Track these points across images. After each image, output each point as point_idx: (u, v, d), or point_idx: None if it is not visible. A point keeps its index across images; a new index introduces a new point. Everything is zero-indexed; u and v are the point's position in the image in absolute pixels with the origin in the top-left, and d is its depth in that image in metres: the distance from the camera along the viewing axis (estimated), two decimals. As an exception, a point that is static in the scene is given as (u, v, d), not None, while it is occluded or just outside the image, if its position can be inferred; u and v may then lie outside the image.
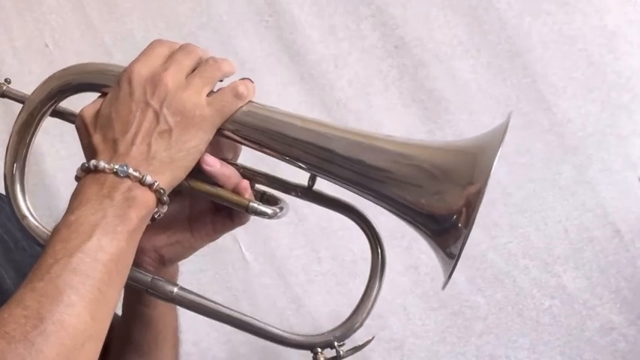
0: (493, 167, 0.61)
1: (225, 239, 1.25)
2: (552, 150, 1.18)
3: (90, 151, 0.67)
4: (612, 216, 1.16)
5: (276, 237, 1.25)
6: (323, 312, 1.23)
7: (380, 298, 1.19)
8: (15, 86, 0.76)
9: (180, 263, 1.20)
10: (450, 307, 1.19)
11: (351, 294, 1.15)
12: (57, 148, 1.25)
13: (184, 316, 1.21)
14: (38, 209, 1.30)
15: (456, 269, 1.23)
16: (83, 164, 0.66)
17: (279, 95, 1.26)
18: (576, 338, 1.16)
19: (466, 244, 0.63)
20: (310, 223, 1.24)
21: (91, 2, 1.30)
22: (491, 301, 1.19)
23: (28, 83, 0.74)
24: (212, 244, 1.27)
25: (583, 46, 1.18)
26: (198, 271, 1.28)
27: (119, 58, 1.30)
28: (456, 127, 1.20)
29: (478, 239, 1.19)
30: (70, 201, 0.65)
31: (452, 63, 1.20)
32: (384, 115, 1.23)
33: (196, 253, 1.28)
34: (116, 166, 0.64)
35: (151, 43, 0.70)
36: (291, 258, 1.25)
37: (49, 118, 0.76)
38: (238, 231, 1.25)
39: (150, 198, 0.65)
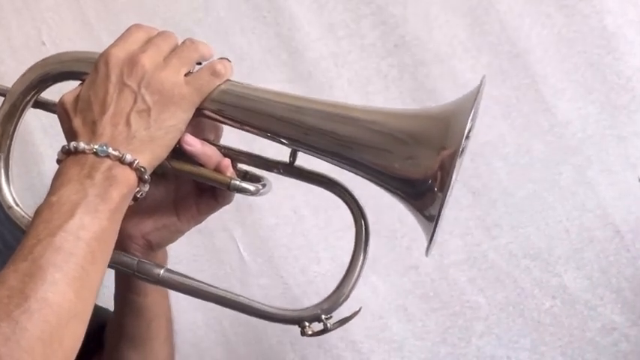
0: (466, 131, 0.63)
1: (223, 239, 1.26)
2: (552, 150, 1.18)
3: (71, 134, 0.68)
4: (612, 216, 1.16)
5: (275, 237, 1.25)
6: (322, 312, 1.22)
7: (380, 299, 1.19)
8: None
9: (177, 263, 1.19)
10: (450, 307, 1.19)
11: (350, 296, 1.14)
12: (55, 148, 1.23)
13: (182, 316, 1.21)
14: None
15: (456, 269, 1.23)
16: (64, 146, 0.67)
17: (278, 93, 1.26)
18: (578, 339, 1.16)
19: (444, 209, 0.64)
20: (309, 223, 1.23)
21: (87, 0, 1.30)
22: (492, 302, 1.18)
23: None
24: (209, 244, 1.27)
25: (582, 47, 1.18)
26: (196, 271, 1.26)
27: (116, 56, 1.29)
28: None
29: (478, 240, 1.19)
30: (52, 183, 0.66)
31: (452, 63, 1.20)
32: (383, 115, 1.23)
33: (194, 253, 1.28)
34: (95, 146, 0.65)
35: (129, 28, 0.72)
36: (289, 258, 1.24)
37: (46, 118, 0.76)
38: (236, 231, 1.26)
39: (130, 176, 0.66)
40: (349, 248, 1.21)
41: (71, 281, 0.59)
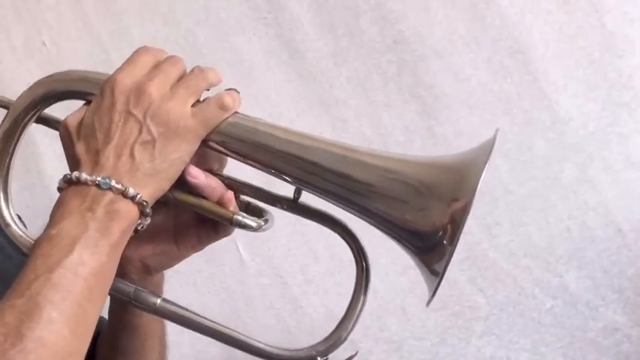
0: (479, 185, 0.60)
1: (222, 239, 1.25)
2: (554, 148, 1.17)
3: (73, 161, 0.66)
4: (614, 215, 1.15)
5: (274, 237, 1.24)
6: (321, 312, 1.22)
7: (379, 298, 1.18)
8: (14, 85, 0.76)
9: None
10: (450, 307, 1.18)
11: (348, 294, 1.13)
12: (54, 148, 1.24)
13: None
14: (37, 209, 1.30)
15: (456, 269, 1.22)
16: (65, 175, 0.65)
17: (278, 92, 1.25)
18: (579, 339, 1.14)
19: (455, 253, 0.61)
20: (308, 223, 1.22)
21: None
22: (492, 302, 1.17)
23: (26, 82, 0.73)
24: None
25: (583, 44, 1.17)
26: (195, 271, 1.27)
27: (116, 55, 1.29)
28: (456, 123, 1.19)
29: (479, 238, 1.18)
30: (52, 213, 0.64)
31: (452, 58, 1.19)
32: (383, 111, 1.22)
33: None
34: (98, 179, 0.63)
35: (137, 51, 0.69)
36: (288, 258, 1.24)
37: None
38: (235, 231, 1.25)
39: (132, 211, 0.64)
40: (347, 248, 1.21)
41: (67, 319, 0.58)
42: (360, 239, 0.73)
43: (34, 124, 1.01)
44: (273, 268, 1.24)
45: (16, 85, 0.76)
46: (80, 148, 0.66)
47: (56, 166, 1.26)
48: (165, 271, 0.85)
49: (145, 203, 0.64)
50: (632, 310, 1.13)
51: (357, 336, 1.04)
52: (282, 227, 1.22)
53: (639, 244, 1.14)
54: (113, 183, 0.63)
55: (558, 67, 1.17)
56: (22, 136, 0.73)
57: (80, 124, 0.67)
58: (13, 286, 0.60)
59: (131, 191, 0.63)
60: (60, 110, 0.72)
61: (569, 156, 1.16)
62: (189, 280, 1.26)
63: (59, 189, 0.65)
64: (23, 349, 0.56)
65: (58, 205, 0.64)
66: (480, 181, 0.60)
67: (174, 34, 1.29)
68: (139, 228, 0.66)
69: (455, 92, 1.19)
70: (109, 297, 0.84)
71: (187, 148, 0.67)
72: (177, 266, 1.24)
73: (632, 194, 1.14)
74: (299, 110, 1.24)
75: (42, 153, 1.27)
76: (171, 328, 0.98)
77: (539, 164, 1.17)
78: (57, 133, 0.73)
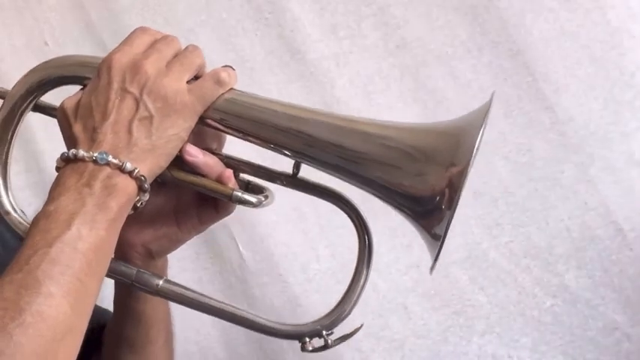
0: (475, 148, 0.61)
1: (223, 237, 1.26)
2: (554, 148, 1.17)
3: (71, 141, 0.67)
4: (615, 214, 1.15)
5: (274, 235, 1.25)
6: (322, 311, 1.21)
7: (380, 297, 1.19)
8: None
9: (176, 262, 1.19)
10: (451, 306, 1.18)
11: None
12: (55, 145, 1.24)
13: (186, 315, 1.20)
14: (39, 207, 1.30)
15: (457, 268, 1.23)
16: (63, 154, 0.65)
17: (280, 94, 1.26)
18: (579, 338, 1.15)
19: (450, 228, 0.62)
20: (309, 221, 1.23)
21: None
22: (493, 301, 1.17)
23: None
24: (209, 242, 1.27)
25: (585, 42, 1.17)
26: (195, 269, 1.27)
27: (118, 55, 1.30)
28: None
29: (479, 238, 1.18)
30: (50, 191, 0.64)
31: (453, 63, 1.19)
32: (385, 115, 1.22)
33: (193, 251, 1.28)
34: (95, 154, 0.63)
35: (134, 31, 0.70)
36: (289, 256, 1.24)
37: (41, 115, 0.76)
38: (235, 229, 1.26)
39: (130, 185, 0.64)
40: (349, 245, 1.20)
41: (67, 294, 0.58)
42: (360, 211, 0.72)
43: (33, 121, 1.01)
44: (273, 267, 1.25)
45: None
46: (77, 128, 0.66)
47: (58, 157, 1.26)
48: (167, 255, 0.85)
49: (142, 178, 0.65)
50: (632, 310, 1.13)
51: (358, 335, 1.05)
52: (282, 225, 1.24)
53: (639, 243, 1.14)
54: (110, 158, 0.63)
55: (559, 66, 1.17)
56: (20, 123, 0.74)
57: (77, 105, 0.68)
58: (12, 262, 0.60)
59: (128, 166, 0.64)
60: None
61: (569, 156, 1.16)
62: (189, 278, 1.26)
63: (57, 168, 0.66)
64: (22, 323, 0.56)
65: (56, 183, 0.64)
66: (477, 145, 0.61)
67: (176, 34, 1.27)
68: (137, 205, 0.67)
69: (456, 96, 1.19)
70: (113, 287, 0.84)
71: (184, 124, 0.67)
72: (176, 265, 1.25)
73: (633, 194, 1.14)
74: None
75: (43, 151, 1.28)
76: (175, 325, 0.99)
77: (539, 165, 1.17)
78: (58, 131, 0.73)
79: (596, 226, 1.15)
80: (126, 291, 0.82)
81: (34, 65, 1.28)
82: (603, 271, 1.14)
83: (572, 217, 1.16)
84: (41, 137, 1.26)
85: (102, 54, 1.29)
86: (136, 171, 0.64)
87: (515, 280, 1.17)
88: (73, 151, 0.64)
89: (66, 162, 0.65)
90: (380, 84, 1.22)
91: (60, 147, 1.25)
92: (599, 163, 1.16)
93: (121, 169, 0.64)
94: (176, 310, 0.91)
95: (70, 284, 0.59)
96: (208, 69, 0.71)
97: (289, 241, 1.24)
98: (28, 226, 0.69)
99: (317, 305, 1.22)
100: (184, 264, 1.26)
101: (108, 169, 0.63)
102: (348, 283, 0.73)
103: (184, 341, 1.24)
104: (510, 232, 1.17)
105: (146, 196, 0.66)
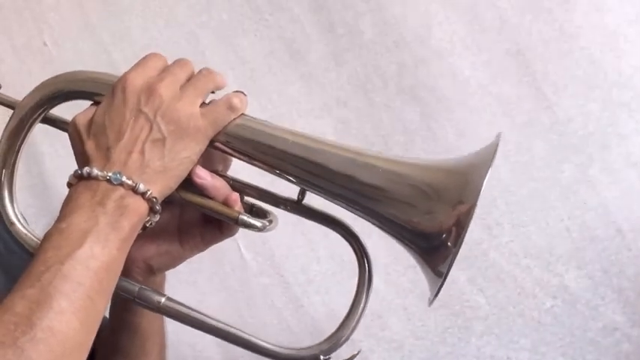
0: (483, 187, 0.62)
1: (224, 239, 1.26)
2: (553, 148, 1.17)
3: (83, 158, 0.67)
4: (614, 215, 1.15)
5: (275, 236, 1.24)
6: (322, 312, 1.22)
7: (380, 298, 1.19)
8: (15, 86, 0.76)
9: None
10: (450, 307, 1.18)
11: (350, 294, 1.13)
12: (56, 148, 1.25)
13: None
14: (38, 208, 1.30)
15: (457, 269, 1.22)
16: (76, 171, 0.66)
17: (280, 94, 1.26)
18: (579, 339, 1.15)
19: (458, 255, 0.63)
20: (309, 222, 1.23)
21: (89, 0, 1.30)
22: (492, 301, 1.17)
23: (27, 83, 0.74)
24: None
25: (584, 44, 1.17)
26: (196, 271, 1.27)
27: (117, 56, 1.30)
28: (456, 124, 1.20)
29: (479, 238, 1.18)
30: (62, 208, 0.64)
31: (452, 60, 1.19)
32: (383, 113, 1.22)
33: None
34: (109, 174, 0.64)
35: (147, 55, 0.71)
36: (289, 257, 1.24)
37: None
38: (237, 231, 1.25)
39: (142, 206, 0.65)
40: (349, 248, 1.21)
41: (77, 310, 0.59)
42: (362, 241, 0.74)
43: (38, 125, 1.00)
44: (274, 268, 1.25)
45: (17, 86, 0.76)
46: (90, 146, 0.67)
47: (57, 165, 1.26)
48: (166, 271, 0.86)
49: (154, 200, 0.65)
50: (632, 310, 1.13)
51: (358, 335, 1.05)
52: (283, 227, 1.23)
53: (639, 244, 1.14)
54: (124, 179, 0.64)
55: (558, 67, 1.18)
56: (28, 135, 0.75)
57: (90, 122, 0.68)
58: (22, 277, 0.60)
59: (141, 187, 0.64)
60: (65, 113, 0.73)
61: (568, 156, 1.16)
62: (190, 279, 1.26)
63: (69, 184, 0.66)
64: (33, 338, 0.56)
65: (68, 200, 0.65)
66: (484, 185, 0.62)
67: (176, 35, 1.29)
68: (147, 225, 0.67)
69: (455, 94, 1.19)
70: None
71: (196, 147, 0.68)
72: (179, 267, 1.24)
73: (632, 194, 1.14)
74: (300, 111, 1.25)
75: (43, 153, 1.27)
76: (170, 328, 0.99)
77: (539, 165, 1.17)
78: (57, 133, 0.74)
79: (596, 227, 1.15)
80: (122, 304, 0.83)
81: (34, 66, 1.29)
82: (603, 272, 1.14)
83: (572, 217, 1.16)
84: (41, 139, 1.26)
85: (101, 55, 1.31)
86: (149, 192, 0.65)
87: (515, 280, 1.17)
88: (87, 169, 0.65)
89: (79, 179, 0.65)
90: (378, 82, 1.22)
91: (60, 150, 1.25)
92: (598, 164, 1.16)
93: (134, 190, 0.64)
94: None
95: (81, 301, 0.60)
96: (207, 69, 0.71)
97: (290, 243, 1.24)
98: (32, 237, 0.71)
99: (317, 306, 1.22)
100: (183, 265, 1.26)
101: (121, 190, 0.64)
102: (347, 304, 0.75)
103: (177, 343, 1.24)
104: (510, 231, 1.17)
105: (156, 217, 0.67)
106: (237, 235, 1.26)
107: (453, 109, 1.20)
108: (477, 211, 1.16)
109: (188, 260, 1.24)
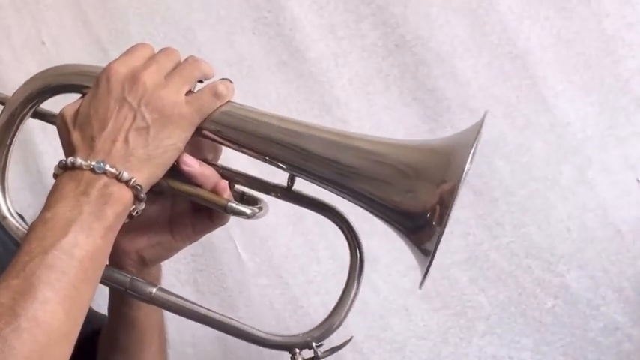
0: (466, 166, 0.62)
1: (221, 238, 1.25)
2: (553, 150, 1.18)
3: (69, 149, 0.68)
4: (612, 216, 1.16)
5: (274, 236, 1.24)
6: (321, 313, 1.20)
7: (381, 298, 1.18)
8: (14, 85, 0.76)
9: (174, 263, 1.18)
10: (452, 307, 1.18)
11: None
12: (54, 147, 1.23)
13: (180, 317, 1.19)
14: (38, 208, 1.28)
15: (457, 269, 1.23)
16: (61, 161, 0.66)
17: (278, 93, 1.26)
18: (580, 338, 1.15)
19: (440, 242, 0.63)
20: (308, 222, 1.23)
21: (87, -3, 1.30)
22: (493, 301, 1.18)
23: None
24: (207, 243, 1.26)
25: (581, 49, 1.19)
26: (193, 271, 1.26)
27: (115, 54, 1.26)
28: (457, 125, 1.20)
29: (480, 239, 1.19)
30: (47, 198, 0.65)
31: (453, 62, 1.20)
32: (384, 114, 1.23)
33: (191, 252, 1.27)
34: (93, 163, 0.64)
35: (134, 45, 0.72)
36: (288, 258, 1.23)
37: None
38: (234, 230, 1.25)
39: (126, 194, 0.65)
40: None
41: (62, 300, 0.59)
42: (353, 225, 0.75)
43: (32, 122, 1.00)
44: (273, 268, 1.24)
45: (16, 85, 0.76)
46: (76, 136, 0.67)
47: (55, 164, 1.24)
48: (164, 272, 0.85)
49: (139, 187, 0.66)
50: (633, 310, 1.14)
51: (359, 336, 1.05)
52: (282, 227, 1.23)
53: (637, 244, 1.15)
54: (107, 167, 0.64)
55: (556, 71, 1.19)
56: (19, 130, 0.75)
57: (76, 113, 0.69)
58: (8, 268, 0.60)
59: (125, 175, 0.65)
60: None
61: (567, 158, 1.18)
62: (188, 279, 1.25)
63: (55, 175, 0.67)
64: (17, 328, 0.56)
65: (53, 190, 0.66)
66: (468, 163, 0.63)
67: (174, 32, 1.28)
68: (133, 213, 0.68)
69: (455, 96, 1.20)
70: (108, 293, 0.84)
71: (181, 134, 0.68)
72: (176, 266, 1.24)
73: (630, 196, 1.16)
74: (300, 110, 1.24)
75: (42, 152, 1.27)
76: (171, 327, 0.97)
77: (539, 165, 1.18)
78: (57, 133, 0.73)
79: (595, 227, 1.16)
80: (120, 298, 0.83)
81: (32, 65, 1.28)
82: (603, 272, 1.15)
83: (572, 218, 1.17)
84: (40, 139, 1.25)
85: (98, 53, 1.29)
86: (133, 180, 0.65)
87: (516, 280, 1.17)
88: (70, 159, 0.65)
89: (64, 170, 0.66)
90: (379, 83, 1.22)
91: (59, 149, 1.24)
92: (597, 166, 1.18)
93: (118, 178, 0.65)
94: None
95: (66, 290, 0.59)
96: (193, 57, 0.72)
97: (289, 243, 1.23)
98: (25, 231, 0.70)
99: (317, 307, 1.22)
100: (179, 266, 1.25)
101: (105, 178, 0.64)
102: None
103: (179, 343, 1.23)
104: (511, 232, 1.18)
105: (142, 206, 0.67)
106: (234, 236, 1.26)
107: (454, 110, 1.21)
108: (478, 212, 1.18)
109: (185, 261, 1.24)
